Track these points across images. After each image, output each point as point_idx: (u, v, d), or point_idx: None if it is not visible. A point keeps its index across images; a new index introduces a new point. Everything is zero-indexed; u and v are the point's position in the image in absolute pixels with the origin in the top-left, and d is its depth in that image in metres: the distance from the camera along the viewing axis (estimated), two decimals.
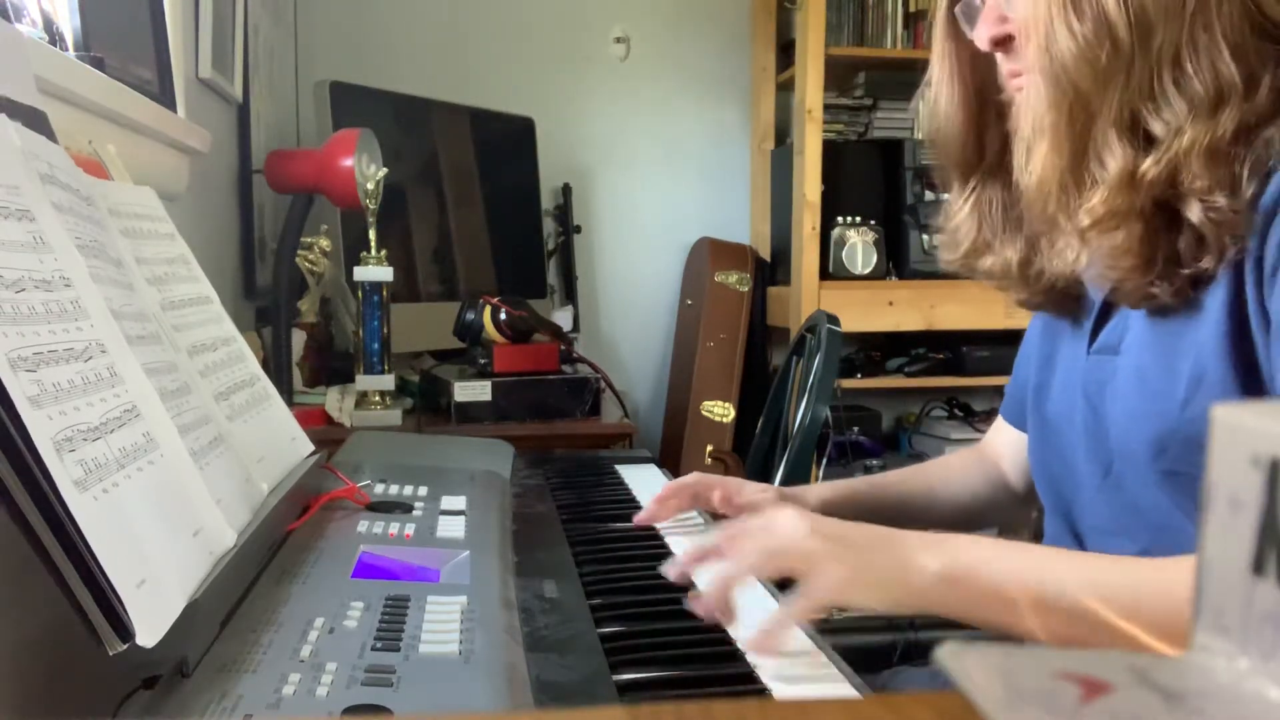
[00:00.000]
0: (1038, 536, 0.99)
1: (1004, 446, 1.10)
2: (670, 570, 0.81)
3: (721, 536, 0.78)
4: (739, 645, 0.72)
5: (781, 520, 0.76)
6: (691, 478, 1.04)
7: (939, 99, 0.92)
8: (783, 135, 3.06)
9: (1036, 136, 0.78)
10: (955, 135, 0.92)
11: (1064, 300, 0.91)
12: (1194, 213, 0.72)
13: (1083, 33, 0.73)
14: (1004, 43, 0.82)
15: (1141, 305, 0.79)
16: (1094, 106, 0.74)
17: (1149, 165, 0.72)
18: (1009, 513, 1.12)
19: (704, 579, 0.77)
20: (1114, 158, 0.74)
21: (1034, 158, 0.78)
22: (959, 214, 0.94)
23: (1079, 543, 0.90)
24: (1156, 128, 0.73)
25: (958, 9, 0.87)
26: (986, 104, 0.90)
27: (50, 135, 0.72)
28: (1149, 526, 0.79)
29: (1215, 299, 0.73)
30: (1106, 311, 0.86)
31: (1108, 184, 0.74)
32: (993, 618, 0.72)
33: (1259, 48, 0.72)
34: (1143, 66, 0.73)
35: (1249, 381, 0.71)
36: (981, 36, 0.83)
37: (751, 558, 0.75)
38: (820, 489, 1.08)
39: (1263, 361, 0.71)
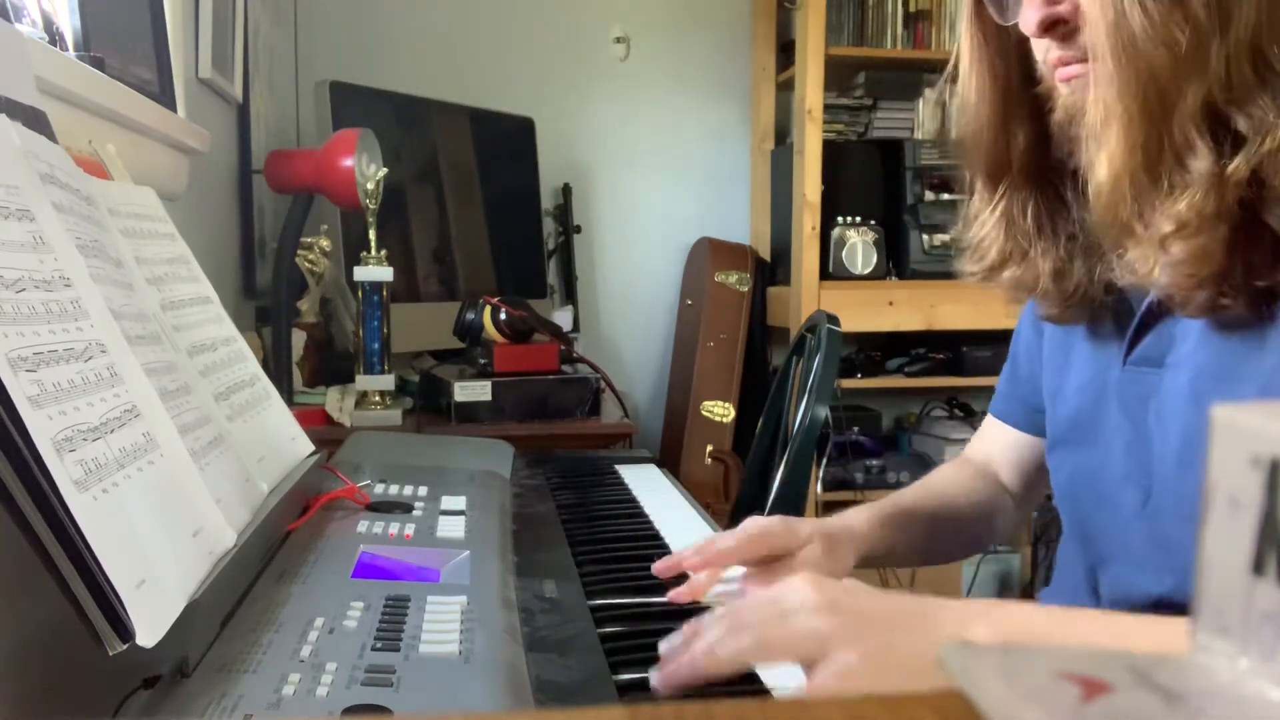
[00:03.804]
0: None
1: (994, 446, 1.04)
2: (664, 647, 0.65)
3: (721, 615, 0.64)
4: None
5: (791, 597, 0.62)
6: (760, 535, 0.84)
7: (967, 94, 0.83)
8: (783, 135, 3.06)
9: (1105, 127, 0.69)
10: (986, 133, 0.83)
11: (1096, 311, 0.84)
12: (1275, 219, 0.65)
13: (1158, 10, 0.66)
14: (1054, 26, 0.73)
15: (1208, 315, 0.71)
16: (1171, 97, 0.67)
17: (1239, 163, 0.65)
18: (1014, 517, 1.05)
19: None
20: (1196, 156, 0.67)
21: (1102, 153, 0.70)
22: (986, 222, 0.85)
23: (1092, 575, 0.84)
24: (1241, 123, 0.66)
25: None
26: (1020, 98, 0.81)
27: (50, 135, 0.72)
28: (1180, 568, 0.72)
29: None
30: (1146, 321, 0.79)
31: (1194, 185, 0.66)
32: None
33: None
34: (1220, 53, 0.65)
35: None
36: (1030, 21, 0.73)
37: (747, 645, 0.61)
38: (864, 523, 0.90)
39: None
